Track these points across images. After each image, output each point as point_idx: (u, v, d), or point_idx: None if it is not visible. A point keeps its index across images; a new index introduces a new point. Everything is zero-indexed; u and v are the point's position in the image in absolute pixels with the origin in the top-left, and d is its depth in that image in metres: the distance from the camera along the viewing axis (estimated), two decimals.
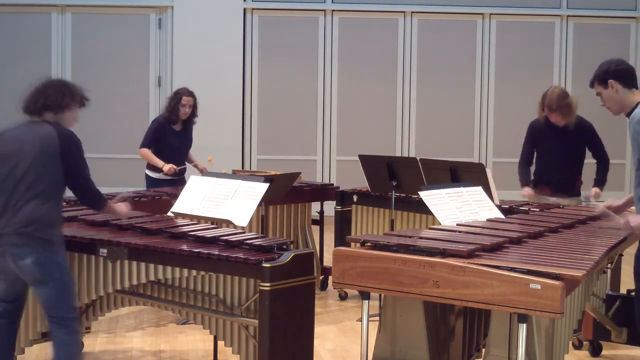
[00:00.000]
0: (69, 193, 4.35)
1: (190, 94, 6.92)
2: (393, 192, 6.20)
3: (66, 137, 4.19)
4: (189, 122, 7.04)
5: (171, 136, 6.92)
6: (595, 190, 6.15)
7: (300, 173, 6.73)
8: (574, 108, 6.16)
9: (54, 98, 4.24)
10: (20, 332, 4.75)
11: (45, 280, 4.13)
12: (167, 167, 6.75)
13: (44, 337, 4.83)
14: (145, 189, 6.84)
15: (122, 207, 4.57)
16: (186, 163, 7.14)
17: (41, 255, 4.10)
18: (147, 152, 6.86)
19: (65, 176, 4.17)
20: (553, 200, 6.12)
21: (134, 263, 4.33)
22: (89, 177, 4.27)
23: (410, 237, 4.04)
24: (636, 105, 4.30)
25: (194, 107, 6.96)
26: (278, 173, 6.55)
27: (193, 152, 7.22)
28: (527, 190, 6.27)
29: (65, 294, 4.19)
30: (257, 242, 4.18)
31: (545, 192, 6.25)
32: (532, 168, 6.46)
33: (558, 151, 6.24)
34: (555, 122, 6.18)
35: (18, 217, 4.09)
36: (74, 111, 4.30)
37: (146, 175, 7.04)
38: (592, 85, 4.50)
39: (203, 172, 6.80)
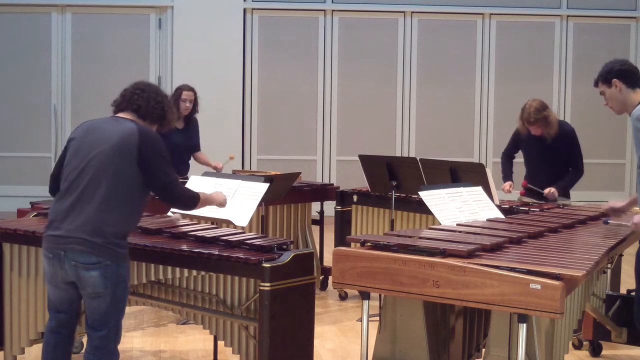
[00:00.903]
0: None
1: (191, 89, 6.94)
2: (393, 192, 6.20)
3: (147, 134, 3.84)
4: (190, 119, 7.05)
5: (173, 134, 6.91)
6: (550, 189, 6.11)
7: (300, 173, 6.73)
8: (552, 120, 6.18)
9: (157, 108, 3.96)
10: (20, 332, 4.76)
11: (104, 294, 3.79)
12: None
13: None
14: None
15: (218, 196, 4.36)
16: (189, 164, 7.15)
17: (109, 268, 3.76)
18: None
19: (144, 181, 3.82)
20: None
21: (134, 263, 4.33)
22: (176, 180, 3.94)
23: (410, 237, 4.04)
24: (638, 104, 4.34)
25: (195, 102, 6.97)
26: (278, 173, 6.55)
27: None
28: (509, 185, 6.35)
29: (117, 310, 3.87)
30: (257, 242, 4.19)
31: (532, 197, 6.26)
32: (522, 172, 6.53)
33: (542, 160, 6.29)
34: (535, 134, 6.23)
35: (87, 222, 3.74)
36: (153, 127, 4.03)
37: None
38: (596, 84, 4.54)
39: (218, 170, 6.82)
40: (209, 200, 4.28)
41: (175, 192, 3.97)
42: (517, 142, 6.52)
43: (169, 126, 4.11)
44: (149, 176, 3.83)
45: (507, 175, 6.53)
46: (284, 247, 4.17)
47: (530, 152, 6.42)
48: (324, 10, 11.04)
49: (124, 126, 3.86)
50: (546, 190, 6.11)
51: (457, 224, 4.44)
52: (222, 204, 4.40)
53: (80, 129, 3.98)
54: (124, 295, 3.91)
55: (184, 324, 5.97)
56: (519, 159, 6.61)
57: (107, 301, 3.81)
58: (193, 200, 4.08)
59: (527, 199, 6.26)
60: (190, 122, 7.06)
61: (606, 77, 4.45)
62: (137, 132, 3.82)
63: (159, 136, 3.95)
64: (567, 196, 6.29)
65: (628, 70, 4.45)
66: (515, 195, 6.51)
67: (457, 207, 4.62)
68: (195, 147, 7.16)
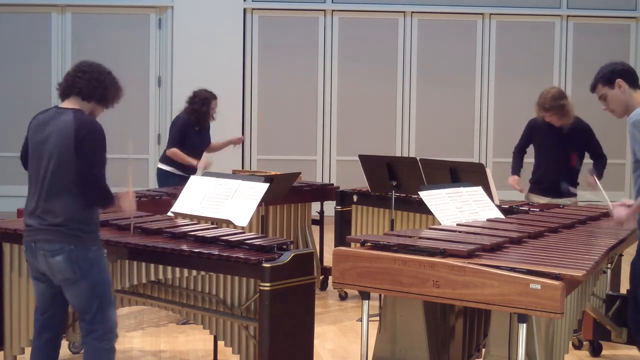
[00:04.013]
0: None
1: (216, 97, 7.11)
2: (393, 192, 6.20)
3: (83, 125, 3.87)
4: (203, 127, 7.18)
5: (195, 135, 7.06)
6: (590, 181, 6.06)
7: (300, 173, 6.74)
8: (568, 109, 6.13)
9: (98, 87, 3.96)
10: (20, 332, 4.76)
11: (75, 279, 3.88)
12: (202, 162, 6.91)
13: None
14: (156, 185, 7.05)
15: (127, 202, 4.13)
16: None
17: (73, 251, 3.86)
18: (176, 151, 6.98)
19: (75, 169, 3.86)
20: (546, 200, 6.12)
21: (134, 263, 4.33)
22: (100, 175, 3.92)
23: (410, 237, 4.04)
24: None
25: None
26: (278, 173, 6.55)
27: None
28: (514, 179, 6.31)
29: (96, 294, 3.92)
30: (257, 242, 4.19)
31: (540, 192, 6.25)
32: (531, 168, 6.46)
33: (554, 152, 6.23)
34: (551, 122, 6.19)
35: (49, 212, 3.88)
36: (99, 109, 4.07)
37: (159, 169, 7.18)
38: (594, 88, 4.36)
39: (239, 141, 7.18)
40: (119, 207, 4.14)
41: (95, 186, 3.90)
42: (531, 132, 6.38)
43: (113, 104, 4.11)
44: (79, 159, 3.84)
45: (515, 169, 6.42)
46: (284, 247, 4.17)
47: (543, 143, 6.32)
48: (324, 10, 11.04)
49: (64, 119, 3.89)
50: (589, 181, 6.01)
51: (457, 224, 4.44)
52: (127, 209, 4.18)
53: (33, 126, 4.04)
54: (101, 279, 3.94)
55: (184, 324, 5.97)
56: (528, 159, 6.57)
57: (82, 286, 3.89)
58: (109, 201, 3.98)
59: (538, 198, 6.22)
60: (204, 129, 7.19)
61: (609, 77, 4.28)
62: (72, 121, 3.86)
63: (100, 127, 3.94)
64: (574, 194, 6.24)
65: (630, 70, 4.32)
66: (517, 195, 6.49)
67: (457, 207, 4.62)
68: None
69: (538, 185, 6.32)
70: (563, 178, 6.11)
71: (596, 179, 5.74)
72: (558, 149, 6.21)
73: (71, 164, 3.85)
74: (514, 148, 6.58)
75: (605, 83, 4.28)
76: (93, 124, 3.94)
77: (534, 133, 6.38)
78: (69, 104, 3.99)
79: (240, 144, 7.25)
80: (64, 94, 4.02)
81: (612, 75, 4.26)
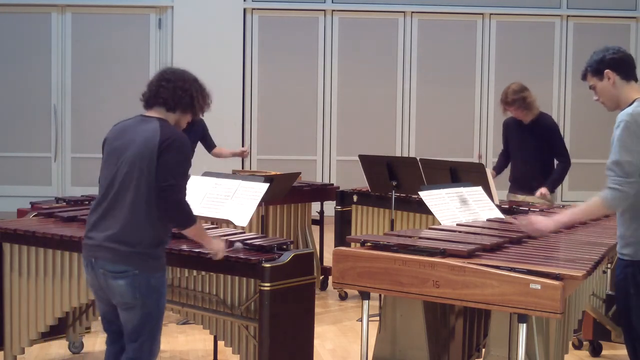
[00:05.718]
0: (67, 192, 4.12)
1: None
2: (393, 192, 6.20)
3: (168, 134, 3.59)
4: (193, 120, 6.98)
5: None
6: (541, 190, 6.08)
7: (300, 173, 6.74)
8: (529, 102, 6.23)
9: (184, 96, 3.72)
10: (20, 332, 4.76)
11: (134, 305, 3.62)
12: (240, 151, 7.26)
13: (44, 337, 4.84)
14: None
15: (216, 242, 3.92)
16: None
17: (137, 277, 3.58)
18: None
19: (155, 178, 3.56)
20: (521, 198, 6.15)
21: None
22: (179, 187, 3.59)
23: (410, 237, 4.04)
24: (632, 103, 3.66)
25: None
26: (278, 173, 6.55)
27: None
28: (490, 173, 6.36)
29: (150, 322, 3.67)
30: (257, 242, 4.19)
31: (515, 191, 6.31)
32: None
33: (522, 148, 6.32)
34: (517, 117, 6.28)
35: (117, 229, 3.58)
36: (185, 118, 3.80)
37: None
38: (584, 77, 3.86)
39: (245, 154, 7.34)
40: (204, 238, 3.86)
41: (173, 198, 3.58)
42: (505, 136, 6.53)
43: (202, 111, 3.89)
44: (157, 170, 3.56)
45: (496, 168, 6.51)
46: (284, 247, 4.17)
47: (513, 141, 6.43)
48: (324, 10, 11.04)
49: (148, 127, 3.64)
50: (537, 193, 6.10)
51: (457, 224, 4.44)
52: (215, 253, 3.93)
53: (113, 132, 3.78)
54: (157, 307, 3.70)
55: (184, 324, 5.97)
56: None
57: (138, 313, 3.64)
58: (188, 218, 3.68)
59: (513, 197, 6.26)
60: (194, 123, 6.98)
61: (597, 67, 3.74)
62: (159, 131, 3.60)
63: (185, 138, 3.69)
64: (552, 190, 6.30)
65: (622, 59, 3.75)
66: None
67: (457, 207, 4.62)
68: (209, 147, 7.05)
69: (513, 183, 6.38)
70: (533, 173, 6.18)
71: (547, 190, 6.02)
72: (526, 146, 6.28)
73: (152, 176, 3.57)
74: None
75: (594, 73, 3.76)
76: (179, 134, 3.68)
77: (507, 131, 6.52)
78: (153, 113, 3.73)
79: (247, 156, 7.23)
80: (148, 104, 3.76)
81: (600, 65, 3.73)
